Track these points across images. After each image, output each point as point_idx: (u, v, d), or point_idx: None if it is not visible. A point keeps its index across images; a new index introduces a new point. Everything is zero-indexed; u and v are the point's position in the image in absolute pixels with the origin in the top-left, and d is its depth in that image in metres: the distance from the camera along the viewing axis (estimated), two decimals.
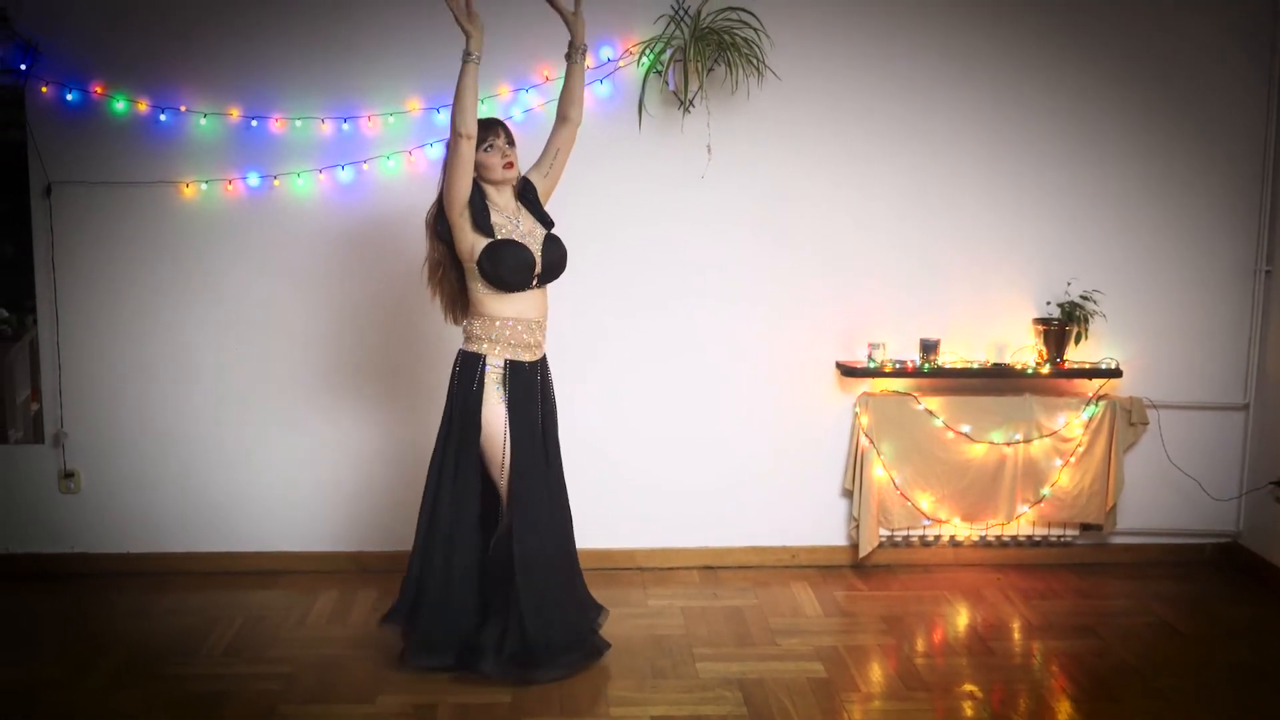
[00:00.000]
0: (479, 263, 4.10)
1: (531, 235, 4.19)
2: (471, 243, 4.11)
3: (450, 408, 4.25)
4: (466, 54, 3.99)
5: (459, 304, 4.32)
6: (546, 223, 4.28)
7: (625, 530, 5.38)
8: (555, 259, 4.23)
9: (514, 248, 4.10)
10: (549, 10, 4.83)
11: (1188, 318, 5.48)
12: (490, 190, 4.18)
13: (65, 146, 5.05)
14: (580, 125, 4.39)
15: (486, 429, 4.17)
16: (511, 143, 4.20)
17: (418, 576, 4.29)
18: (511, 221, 4.17)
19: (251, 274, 5.20)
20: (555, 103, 5.02)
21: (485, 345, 4.17)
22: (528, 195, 4.30)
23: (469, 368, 4.19)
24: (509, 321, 4.16)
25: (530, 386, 4.24)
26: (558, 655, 4.24)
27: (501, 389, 4.16)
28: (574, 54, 4.33)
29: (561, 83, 4.39)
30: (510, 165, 4.16)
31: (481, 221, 4.08)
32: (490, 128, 4.15)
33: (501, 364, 4.17)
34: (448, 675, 4.26)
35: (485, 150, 4.12)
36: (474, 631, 4.26)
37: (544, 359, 4.34)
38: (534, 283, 4.18)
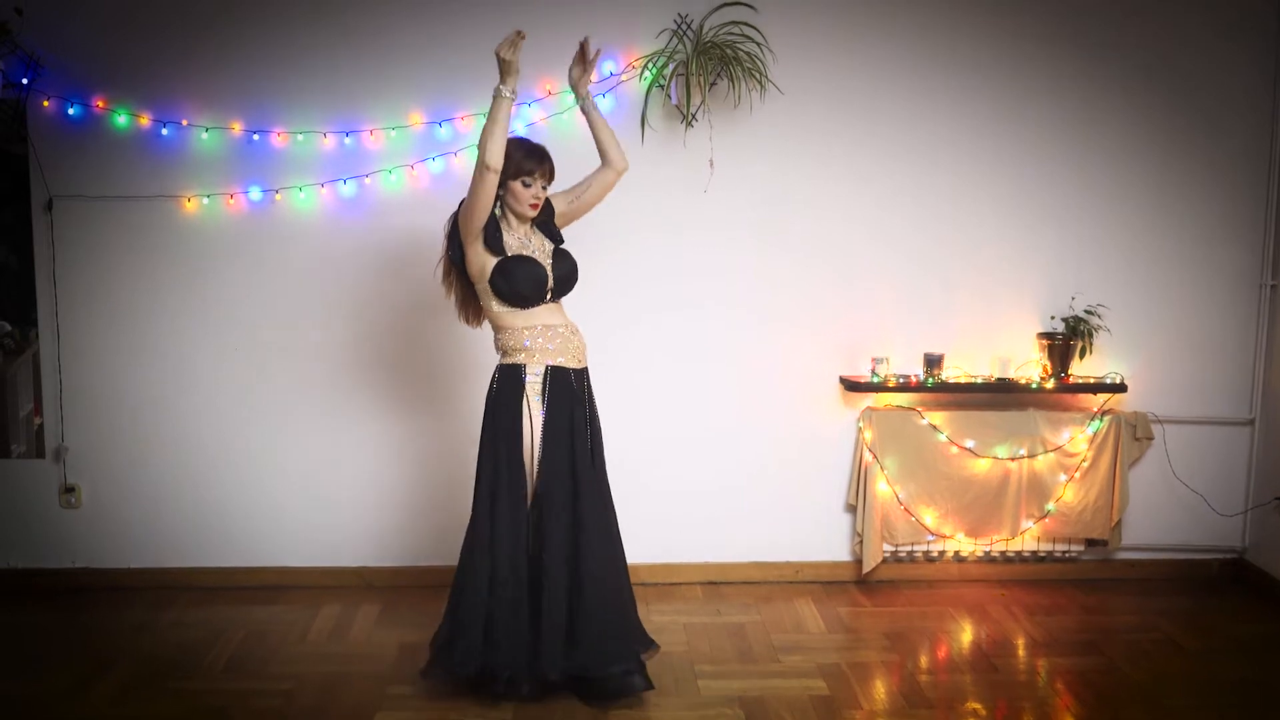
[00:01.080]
0: (492, 281, 4.08)
1: (542, 251, 4.19)
2: (483, 263, 4.09)
3: (492, 423, 4.17)
4: (500, 88, 3.94)
5: (470, 306, 4.30)
6: (556, 238, 4.27)
7: (628, 546, 5.34)
8: (566, 272, 4.22)
9: (526, 263, 4.09)
10: (552, 24, 4.87)
11: (1193, 332, 5.47)
12: (509, 215, 4.18)
13: (67, 160, 5.06)
14: (625, 172, 4.39)
15: (528, 440, 4.12)
16: (548, 184, 4.18)
17: (483, 600, 4.15)
18: (522, 240, 4.16)
19: (253, 289, 5.19)
20: (558, 117, 5.07)
21: (523, 355, 4.13)
22: (541, 214, 4.29)
23: (509, 379, 4.14)
24: (537, 328, 4.13)
25: (574, 396, 4.18)
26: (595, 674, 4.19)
27: (541, 399, 4.12)
28: (580, 103, 4.35)
29: (570, 90, 4.38)
30: (535, 206, 4.15)
31: (494, 243, 4.07)
32: (536, 161, 4.13)
33: (541, 370, 4.13)
34: (448, 693, 4.24)
35: (523, 184, 4.11)
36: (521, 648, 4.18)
37: (586, 370, 4.28)
38: (548, 296, 4.17)
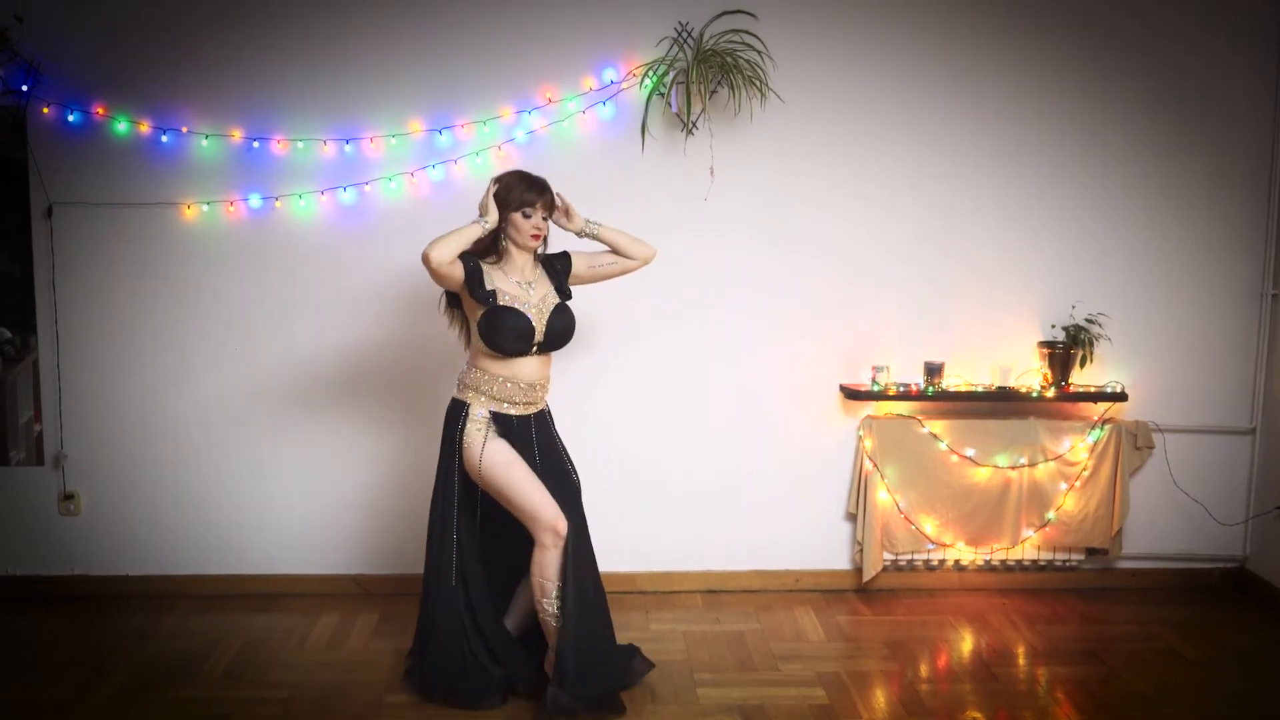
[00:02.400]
0: (479, 325, 4.12)
1: (542, 303, 4.18)
2: (473, 305, 4.13)
3: (442, 452, 4.28)
4: (480, 220, 4.07)
5: (468, 330, 4.33)
6: (563, 293, 4.28)
7: (627, 554, 5.36)
8: (561, 329, 4.21)
9: (512, 316, 4.09)
10: (552, 32, 4.90)
11: (1193, 341, 5.46)
12: (511, 249, 4.19)
13: (67, 167, 5.06)
14: (651, 260, 4.46)
15: (471, 466, 4.17)
16: (549, 214, 4.21)
17: (436, 623, 4.31)
18: (521, 286, 4.16)
19: (253, 296, 5.19)
20: (558, 124, 5.06)
21: (471, 394, 4.20)
22: (555, 265, 4.32)
23: (453, 415, 4.23)
24: (499, 379, 4.17)
25: (522, 435, 4.24)
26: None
27: (484, 432, 4.17)
28: (581, 234, 4.36)
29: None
30: (537, 237, 4.17)
31: (478, 293, 4.08)
32: (536, 192, 4.15)
33: (485, 414, 4.18)
34: (444, 702, 4.26)
35: (524, 215, 4.12)
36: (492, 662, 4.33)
37: (543, 412, 4.35)
38: (533, 350, 4.17)
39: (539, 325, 4.14)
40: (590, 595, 4.26)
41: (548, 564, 4.16)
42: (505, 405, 4.19)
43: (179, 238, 5.14)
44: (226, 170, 5.10)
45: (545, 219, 4.19)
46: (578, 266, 4.36)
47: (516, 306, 4.10)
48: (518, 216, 4.13)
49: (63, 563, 5.32)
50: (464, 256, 4.06)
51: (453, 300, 4.28)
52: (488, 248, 4.18)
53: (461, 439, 4.17)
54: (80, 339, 5.18)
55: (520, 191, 4.12)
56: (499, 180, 4.16)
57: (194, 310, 5.19)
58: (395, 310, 5.18)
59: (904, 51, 5.20)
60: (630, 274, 4.49)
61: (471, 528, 4.34)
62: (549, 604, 4.17)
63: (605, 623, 4.36)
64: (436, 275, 4.03)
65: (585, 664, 4.17)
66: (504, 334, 4.08)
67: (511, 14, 5.05)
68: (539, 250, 4.26)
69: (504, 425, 4.20)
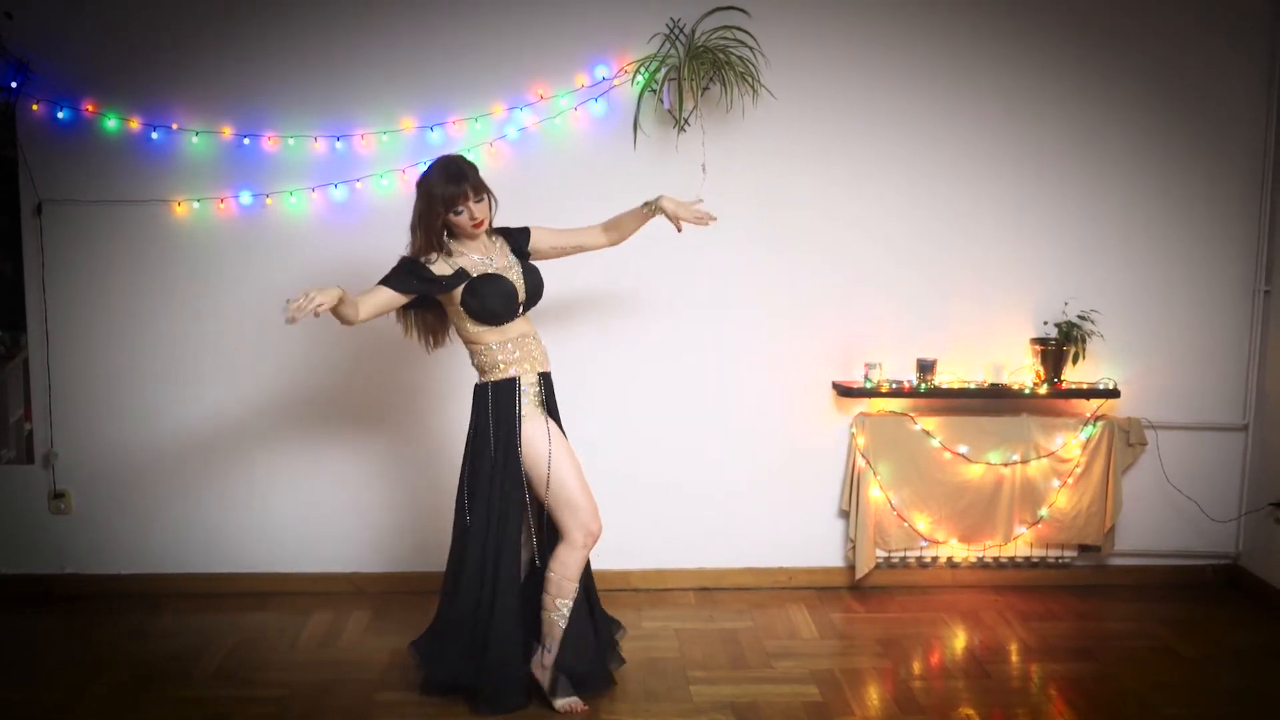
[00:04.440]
0: (463, 303, 4.05)
1: (513, 268, 4.15)
2: (451, 297, 4.08)
3: (480, 440, 4.15)
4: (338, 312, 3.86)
5: (435, 332, 4.27)
6: (522, 256, 4.24)
7: (620, 551, 5.34)
8: (536, 285, 4.20)
9: (495, 280, 4.06)
10: (544, 28, 4.89)
11: (1186, 338, 5.46)
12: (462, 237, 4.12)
13: (56, 165, 5.04)
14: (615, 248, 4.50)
15: (530, 449, 4.11)
16: (480, 195, 4.03)
17: (470, 616, 4.19)
18: (483, 259, 4.11)
19: (244, 293, 5.17)
20: (549, 121, 5.05)
21: (514, 368, 4.12)
22: (513, 234, 4.26)
23: (504, 393, 4.11)
24: (508, 344, 4.11)
25: (549, 398, 4.24)
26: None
27: (540, 406, 4.16)
28: (649, 207, 4.34)
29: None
30: (479, 224, 4.05)
31: (449, 282, 4.02)
32: (455, 184, 3.99)
33: (536, 378, 4.15)
34: (439, 699, 4.25)
35: (456, 215, 4.01)
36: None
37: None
38: (520, 310, 4.15)
39: (519, 285, 4.12)
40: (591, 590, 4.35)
41: (573, 563, 4.13)
42: (541, 364, 4.17)
43: (170, 235, 5.12)
44: (217, 167, 5.09)
45: (479, 200, 4.02)
46: (540, 241, 4.29)
47: (495, 272, 4.07)
48: (450, 218, 4.02)
49: (53, 562, 5.30)
50: (411, 269, 4.00)
51: (414, 303, 4.13)
52: (433, 245, 4.06)
53: (519, 419, 4.08)
54: (71, 336, 5.16)
55: (439, 190, 3.98)
56: (417, 189, 4.05)
57: (185, 307, 5.18)
58: None
59: (896, 49, 5.20)
60: (595, 253, 4.48)
61: (515, 521, 4.20)
62: (563, 604, 4.14)
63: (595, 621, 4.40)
64: (381, 314, 4.02)
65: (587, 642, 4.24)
66: (492, 299, 4.03)
67: (503, 10, 5.04)
68: (484, 231, 4.11)
69: (547, 385, 4.19)
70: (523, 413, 4.10)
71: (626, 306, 5.24)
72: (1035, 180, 5.32)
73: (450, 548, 4.27)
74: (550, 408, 4.23)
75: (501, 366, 4.11)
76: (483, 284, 4.04)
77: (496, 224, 4.22)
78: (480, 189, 4.04)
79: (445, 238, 4.09)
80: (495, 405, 4.12)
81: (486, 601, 4.13)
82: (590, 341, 5.24)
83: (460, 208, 4.00)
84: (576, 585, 4.15)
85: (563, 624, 4.15)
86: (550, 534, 4.23)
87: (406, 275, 4.01)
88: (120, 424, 5.24)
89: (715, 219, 4.38)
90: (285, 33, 5.04)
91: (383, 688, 4.38)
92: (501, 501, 4.13)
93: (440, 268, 4.04)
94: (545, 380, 4.20)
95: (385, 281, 3.99)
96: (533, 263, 4.25)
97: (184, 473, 5.28)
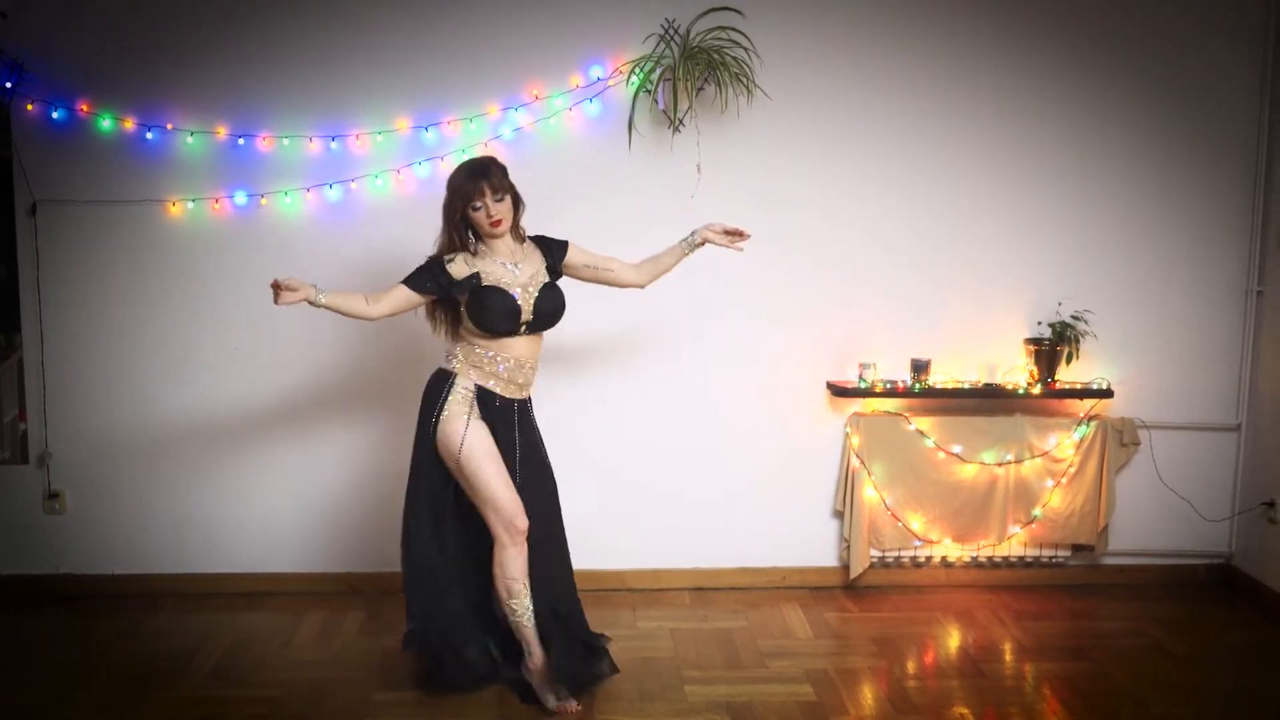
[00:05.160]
0: (467, 307, 4.10)
1: (530, 281, 4.14)
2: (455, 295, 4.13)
3: (418, 428, 4.23)
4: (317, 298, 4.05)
5: (450, 324, 4.28)
6: (554, 273, 4.25)
7: (615, 552, 5.36)
8: (550, 309, 4.17)
9: (497, 295, 4.06)
10: (538, 29, 4.89)
11: (1179, 338, 5.47)
12: (486, 238, 4.14)
13: (51, 165, 5.04)
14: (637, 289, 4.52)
15: (444, 443, 4.12)
16: (499, 194, 4.06)
17: (423, 604, 4.28)
18: (506, 267, 4.11)
19: (238, 293, 5.17)
20: (544, 121, 5.05)
21: (458, 364, 4.16)
22: (550, 245, 4.28)
23: (436, 385, 4.18)
24: (488, 353, 4.14)
25: (504, 419, 4.19)
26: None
27: (467, 409, 4.13)
28: (688, 244, 4.41)
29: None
30: (497, 224, 4.07)
31: (459, 286, 4.07)
32: (473, 180, 4.04)
33: (471, 386, 4.14)
34: (438, 698, 4.26)
35: (474, 210, 4.05)
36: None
37: (526, 401, 4.30)
38: (521, 329, 4.13)
39: (526, 305, 4.10)
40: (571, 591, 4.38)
41: (508, 562, 4.14)
42: (492, 382, 4.15)
43: (164, 235, 5.12)
44: (212, 167, 5.08)
45: (499, 199, 4.06)
46: (575, 257, 4.31)
47: (501, 286, 4.07)
48: (470, 213, 4.06)
49: (48, 562, 5.29)
50: (430, 270, 4.08)
51: (437, 300, 4.21)
52: (458, 244, 4.12)
53: (440, 411, 4.12)
54: (65, 336, 5.16)
55: (460, 187, 4.04)
56: (447, 183, 4.13)
57: (179, 307, 5.17)
58: None
59: (891, 49, 5.20)
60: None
61: (454, 504, 4.28)
62: (517, 604, 4.16)
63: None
64: (402, 312, 4.15)
65: (573, 645, 4.26)
66: (490, 314, 4.05)
67: (498, 11, 5.04)
68: (504, 232, 4.12)
69: (486, 405, 4.15)
70: (446, 411, 4.12)
71: (619, 306, 5.24)
72: (1030, 181, 5.33)
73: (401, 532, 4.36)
74: (517, 428, 4.22)
75: (451, 358, 4.18)
76: (486, 295, 4.06)
77: (537, 231, 4.28)
78: (500, 188, 4.06)
79: (471, 237, 4.13)
80: (428, 392, 4.20)
81: (440, 584, 4.26)
82: (584, 342, 5.24)
83: (478, 203, 4.03)
84: (522, 583, 4.15)
85: (528, 624, 4.18)
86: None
87: (424, 275, 4.09)
88: (115, 424, 5.23)
89: (749, 234, 4.46)
90: (280, 33, 5.04)
91: (378, 687, 4.38)
92: (428, 487, 4.25)
93: (459, 268, 4.08)
94: (505, 403, 4.18)
95: (406, 280, 4.09)
96: (559, 283, 4.24)
97: (179, 473, 5.28)
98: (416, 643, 4.28)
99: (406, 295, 4.08)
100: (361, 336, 5.20)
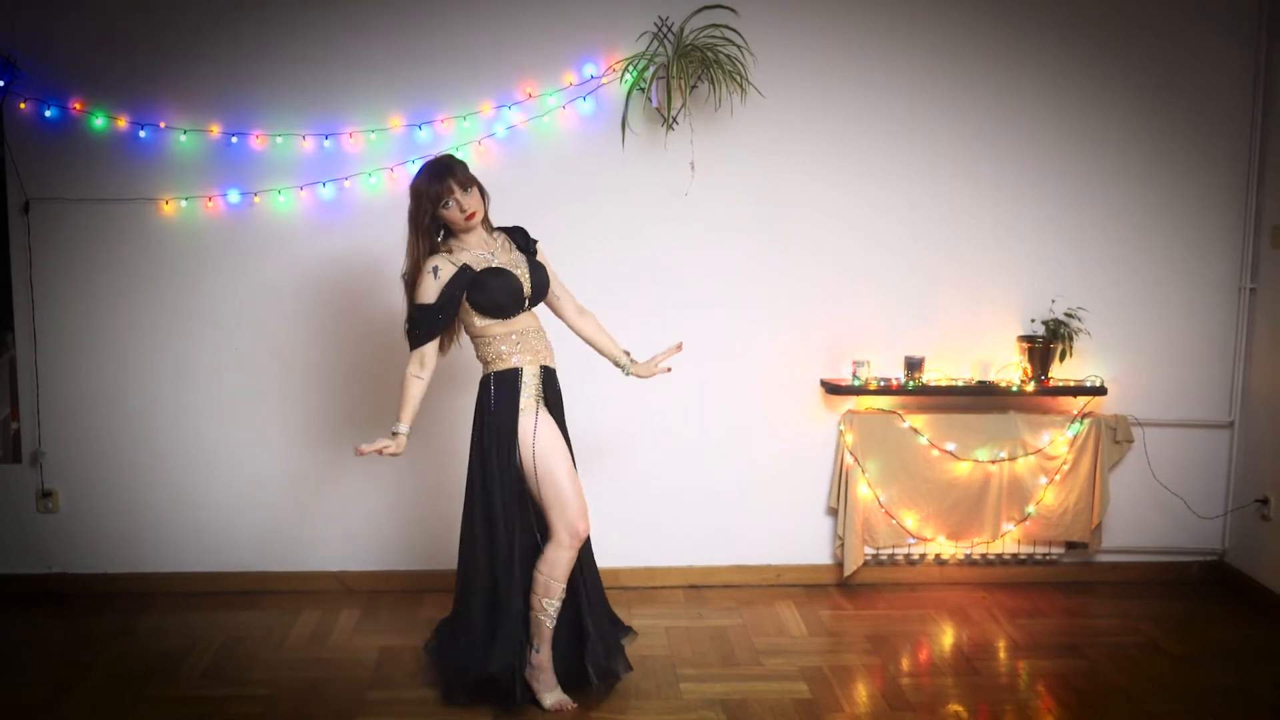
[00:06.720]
0: (469, 298, 4.06)
1: (519, 264, 4.15)
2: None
3: (484, 433, 4.15)
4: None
5: (447, 336, 4.23)
6: (528, 252, 4.25)
7: (609, 550, 5.31)
8: (542, 281, 4.20)
9: (500, 274, 4.06)
10: (532, 27, 4.89)
11: (1172, 335, 5.48)
12: (460, 234, 4.12)
13: (43, 163, 5.02)
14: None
15: (523, 441, 4.10)
16: (467, 187, 4.04)
17: (483, 615, 4.19)
18: (485, 255, 4.11)
19: (232, 292, 5.16)
20: (538, 120, 5.06)
21: (515, 359, 4.12)
22: (517, 237, 4.26)
23: (506, 383, 4.12)
24: (512, 336, 4.12)
25: (552, 392, 4.24)
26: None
27: (539, 400, 4.15)
28: (623, 365, 4.49)
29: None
30: (471, 216, 4.05)
31: (450, 294, 4.04)
32: (439, 180, 4.01)
33: (537, 371, 4.15)
34: (429, 699, 4.27)
35: (445, 209, 4.02)
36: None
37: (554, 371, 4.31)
38: (526, 304, 4.15)
39: (524, 280, 4.12)
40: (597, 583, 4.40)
41: (560, 563, 4.12)
42: (543, 356, 4.18)
43: (157, 233, 5.11)
44: (205, 165, 5.07)
45: (468, 192, 4.03)
46: (546, 264, 4.31)
47: (496, 266, 4.08)
48: (441, 212, 4.03)
49: (41, 561, 5.28)
50: (420, 319, 4.09)
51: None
52: (431, 248, 4.09)
53: (519, 410, 4.09)
54: (58, 335, 5.15)
55: (427, 189, 4.01)
56: (409, 193, 4.09)
57: (172, 306, 5.16)
58: (375, 306, 5.16)
59: (884, 47, 5.20)
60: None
61: (509, 512, 4.18)
62: (549, 604, 4.13)
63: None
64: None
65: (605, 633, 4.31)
66: (496, 292, 4.04)
67: (491, 9, 5.04)
68: (477, 224, 4.11)
69: (549, 380, 4.20)
70: (520, 405, 4.10)
71: (613, 305, 5.24)
72: (1023, 178, 5.33)
73: (460, 543, 4.25)
74: (553, 403, 4.23)
75: (505, 357, 4.12)
76: (488, 278, 4.05)
77: (533, 232, 4.29)
78: (467, 182, 4.05)
79: (443, 236, 4.12)
80: (497, 395, 4.12)
81: (502, 599, 4.13)
82: (574, 340, 5.23)
83: (448, 200, 4.01)
84: (564, 586, 4.14)
85: (550, 624, 4.15)
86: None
87: (426, 322, 4.08)
88: (108, 423, 5.22)
89: (670, 370, 4.55)
90: (273, 31, 5.03)
91: (372, 686, 4.38)
92: (503, 494, 4.12)
93: (444, 267, 4.04)
94: (548, 374, 4.21)
95: (415, 345, 4.11)
96: (537, 260, 4.25)
97: (172, 471, 5.26)
98: (436, 655, 4.31)
99: (430, 353, 4.11)
100: (354, 336, 5.20)
